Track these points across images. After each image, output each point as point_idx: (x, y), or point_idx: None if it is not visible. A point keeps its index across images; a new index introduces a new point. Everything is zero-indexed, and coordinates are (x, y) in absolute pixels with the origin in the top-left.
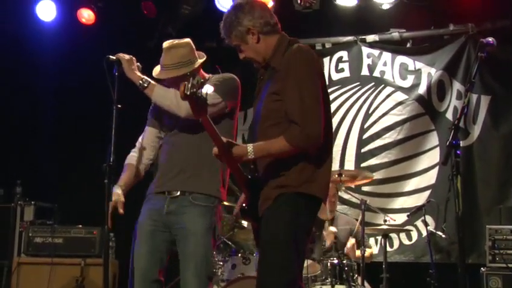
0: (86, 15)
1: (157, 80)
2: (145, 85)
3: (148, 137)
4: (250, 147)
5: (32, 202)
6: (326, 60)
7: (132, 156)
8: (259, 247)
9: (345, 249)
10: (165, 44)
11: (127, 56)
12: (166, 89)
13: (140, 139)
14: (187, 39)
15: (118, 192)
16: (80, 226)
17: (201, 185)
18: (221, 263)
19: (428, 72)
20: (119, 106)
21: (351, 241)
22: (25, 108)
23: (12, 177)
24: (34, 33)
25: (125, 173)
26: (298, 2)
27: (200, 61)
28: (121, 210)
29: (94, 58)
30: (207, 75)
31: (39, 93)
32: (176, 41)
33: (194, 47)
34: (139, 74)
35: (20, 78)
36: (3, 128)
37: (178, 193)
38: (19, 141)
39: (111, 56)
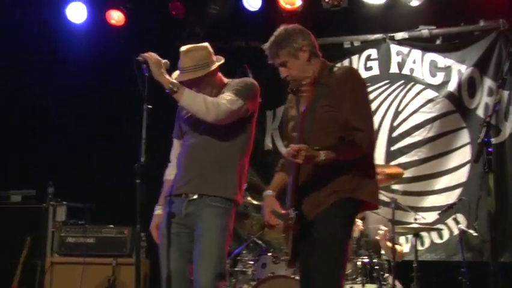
0: (116, 16)
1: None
2: (175, 89)
3: (176, 151)
4: (322, 152)
5: (64, 202)
6: (355, 58)
7: (169, 172)
8: (304, 245)
9: (377, 236)
10: (182, 48)
11: (153, 58)
12: (195, 94)
13: (171, 154)
14: (205, 43)
15: (158, 214)
16: (111, 226)
17: (218, 189)
18: (251, 262)
19: (458, 69)
20: (150, 106)
21: (383, 231)
22: (57, 110)
23: (44, 178)
24: (65, 35)
25: (164, 190)
26: (327, 0)
27: (217, 64)
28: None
29: (124, 59)
30: (225, 80)
31: (70, 94)
32: (193, 45)
33: (212, 50)
34: (168, 77)
35: (51, 80)
36: (35, 129)
37: (196, 196)
38: (51, 142)
39: (141, 57)
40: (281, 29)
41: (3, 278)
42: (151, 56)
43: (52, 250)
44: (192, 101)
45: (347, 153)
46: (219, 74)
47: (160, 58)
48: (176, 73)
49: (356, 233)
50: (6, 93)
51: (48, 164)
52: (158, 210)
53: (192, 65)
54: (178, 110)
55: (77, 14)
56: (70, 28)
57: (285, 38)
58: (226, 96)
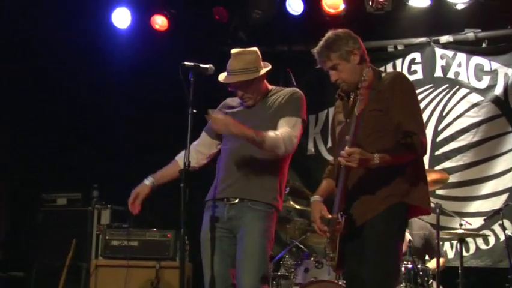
0: (160, 21)
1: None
2: (259, 139)
3: (201, 143)
4: (376, 155)
5: (109, 206)
6: (399, 62)
7: (181, 155)
8: (353, 251)
9: None
10: (233, 50)
11: (223, 120)
12: (275, 138)
13: (195, 142)
14: (255, 48)
15: (146, 185)
16: (155, 229)
17: (260, 194)
18: (294, 267)
19: (505, 72)
20: (195, 111)
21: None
22: (101, 114)
23: (89, 181)
24: (110, 40)
25: (167, 168)
26: (370, 3)
27: (265, 70)
28: (135, 210)
29: (168, 63)
30: (269, 86)
31: (115, 98)
32: (244, 49)
33: (260, 56)
34: (249, 130)
35: (96, 84)
36: (80, 134)
37: (237, 200)
38: (95, 147)
39: (187, 63)
40: (331, 33)
41: (49, 280)
42: (220, 118)
43: (97, 253)
44: (274, 144)
45: (400, 156)
46: (265, 80)
47: (221, 116)
48: (223, 74)
49: (404, 248)
50: (54, 98)
51: (93, 168)
52: (147, 181)
53: (241, 68)
54: (220, 107)
55: (122, 19)
56: (115, 33)
57: (336, 41)
58: (289, 125)
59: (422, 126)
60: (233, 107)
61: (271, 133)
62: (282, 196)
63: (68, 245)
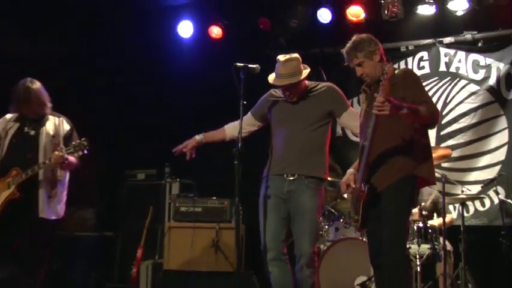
0: (216, 31)
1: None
2: None
3: (246, 121)
4: (404, 105)
5: (178, 179)
6: (410, 59)
7: (228, 126)
8: (373, 214)
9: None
10: (282, 58)
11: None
12: None
13: (241, 119)
14: (296, 54)
15: (196, 139)
16: (214, 198)
17: (314, 170)
18: (326, 227)
19: (497, 66)
20: (245, 102)
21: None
22: (170, 106)
23: (162, 160)
24: (175, 47)
25: (215, 132)
26: (386, 12)
27: (306, 72)
28: (177, 153)
29: (223, 65)
30: (307, 82)
31: (180, 93)
32: (289, 56)
33: (301, 60)
34: None
35: (165, 84)
36: (155, 120)
37: (296, 176)
38: (167, 132)
39: (238, 64)
40: (356, 36)
41: (133, 239)
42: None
43: (169, 217)
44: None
45: (421, 114)
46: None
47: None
48: (272, 76)
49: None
50: (133, 97)
51: (165, 149)
52: (197, 136)
53: (288, 72)
54: (267, 96)
55: (185, 30)
56: (179, 42)
57: (361, 43)
58: (352, 113)
59: (432, 100)
60: (277, 97)
61: None
62: (328, 169)
63: (146, 211)
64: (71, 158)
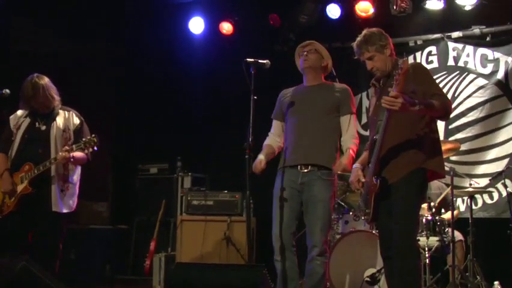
0: (226, 27)
1: None
2: None
3: (276, 132)
4: (417, 101)
5: (189, 173)
6: (418, 54)
7: (269, 140)
8: (384, 207)
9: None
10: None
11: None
12: (346, 156)
13: (272, 130)
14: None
15: (261, 158)
16: (226, 191)
17: (326, 160)
18: (336, 220)
19: (506, 60)
20: (255, 97)
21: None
22: (182, 101)
23: (174, 154)
24: (186, 43)
25: (264, 149)
26: (395, 7)
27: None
28: (258, 169)
29: (233, 60)
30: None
31: (192, 88)
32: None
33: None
34: None
35: (178, 79)
36: (167, 116)
37: (309, 168)
38: (179, 127)
39: (248, 59)
40: (367, 30)
41: (146, 231)
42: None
43: (181, 210)
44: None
45: (434, 108)
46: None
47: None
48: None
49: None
50: (146, 92)
51: (177, 144)
52: (261, 156)
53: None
54: (280, 97)
55: (196, 26)
56: (191, 38)
57: (372, 37)
58: (350, 121)
59: (443, 92)
60: (290, 95)
61: None
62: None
63: (159, 204)
64: (78, 155)
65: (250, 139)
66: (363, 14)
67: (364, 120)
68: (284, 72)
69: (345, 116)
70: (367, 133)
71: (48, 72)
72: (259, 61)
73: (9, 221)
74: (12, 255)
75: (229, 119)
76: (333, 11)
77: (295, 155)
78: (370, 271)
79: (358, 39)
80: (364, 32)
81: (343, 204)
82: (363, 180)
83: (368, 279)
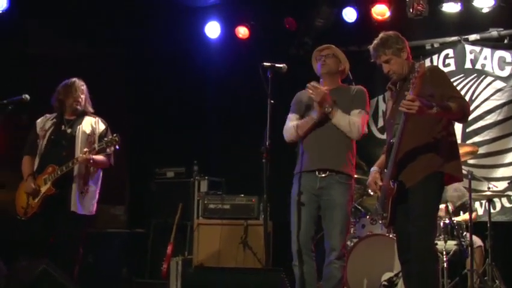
0: (242, 31)
1: None
2: (329, 110)
3: (293, 120)
4: (434, 104)
5: (206, 177)
6: (435, 57)
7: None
8: (401, 211)
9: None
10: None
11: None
12: (344, 116)
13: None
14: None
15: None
16: (242, 195)
17: (343, 166)
18: (353, 224)
19: None
20: (272, 101)
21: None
22: (198, 105)
23: (190, 158)
24: (202, 48)
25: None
26: (411, 10)
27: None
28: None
29: (250, 64)
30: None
31: (208, 92)
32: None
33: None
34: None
35: (192, 82)
36: (184, 120)
37: (327, 173)
38: (195, 131)
39: (265, 63)
40: (384, 33)
41: (163, 235)
42: (320, 89)
43: (198, 214)
44: (341, 121)
45: (452, 111)
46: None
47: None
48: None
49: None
50: (164, 96)
51: (194, 148)
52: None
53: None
54: (296, 97)
55: (213, 31)
56: (207, 42)
57: (388, 40)
58: (359, 115)
59: (461, 94)
60: (308, 99)
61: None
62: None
63: (176, 208)
64: (99, 158)
65: (267, 143)
66: (379, 18)
67: (381, 123)
68: (300, 76)
69: (356, 110)
70: (384, 136)
71: (65, 76)
72: (276, 65)
73: (33, 223)
74: (33, 258)
75: (246, 123)
76: (349, 15)
77: (312, 160)
78: (387, 275)
79: (375, 42)
80: (381, 35)
81: (360, 208)
82: (380, 183)
83: (385, 283)
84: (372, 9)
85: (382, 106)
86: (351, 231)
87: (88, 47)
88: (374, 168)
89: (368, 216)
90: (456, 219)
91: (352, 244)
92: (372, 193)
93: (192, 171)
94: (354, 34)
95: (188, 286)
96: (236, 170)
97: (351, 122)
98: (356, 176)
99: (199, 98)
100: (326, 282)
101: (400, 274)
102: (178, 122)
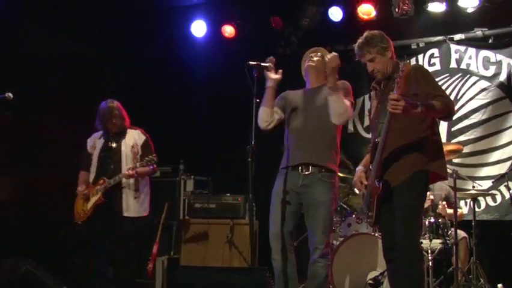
0: (229, 30)
1: None
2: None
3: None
4: (419, 103)
5: (192, 176)
6: (420, 56)
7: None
8: (387, 210)
9: (438, 209)
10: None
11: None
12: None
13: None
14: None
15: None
16: (228, 194)
17: (326, 162)
18: (339, 223)
19: (508, 62)
20: (258, 100)
21: (442, 203)
22: (185, 104)
23: (177, 157)
24: (188, 46)
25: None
26: (397, 10)
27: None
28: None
29: (236, 63)
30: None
31: (194, 91)
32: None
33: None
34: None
35: (178, 81)
36: (170, 119)
37: (310, 170)
38: (181, 129)
39: (251, 62)
40: (369, 32)
41: (149, 234)
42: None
43: (184, 213)
44: (337, 95)
45: (437, 109)
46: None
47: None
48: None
49: (427, 205)
50: (146, 95)
51: (180, 147)
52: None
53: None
54: (282, 94)
55: (199, 30)
56: (193, 41)
57: (374, 38)
58: (348, 102)
59: (445, 93)
60: (293, 97)
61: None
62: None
63: (162, 207)
64: (142, 170)
65: (252, 142)
66: (365, 17)
67: (367, 122)
68: (286, 75)
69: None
70: (369, 136)
71: (55, 75)
72: (262, 64)
73: (87, 226)
74: (17, 258)
75: (231, 122)
76: (335, 14)
77: (296, 155)
78: (373, 274)
79: (359, 41)
80: (365, 33)
81: (345, 206)
82: (365, 182)
83: (370, 282)
84: (358, 8)
85: (368, 105)
86: (337, 230)
87: (77, 47)
88: (360, 168)
89: (353, 215)
90: (440, 211)
91: (338, 243)
92: (358, 192)
93: (178, 170)
94: (341, 33)
95: (174, 285)
96: (222, 169)
97: (344, 100)
98: (341, 175)
99: (185, 97)
100: (310, 281)
101: (385, 273)
102: (164, 121)
